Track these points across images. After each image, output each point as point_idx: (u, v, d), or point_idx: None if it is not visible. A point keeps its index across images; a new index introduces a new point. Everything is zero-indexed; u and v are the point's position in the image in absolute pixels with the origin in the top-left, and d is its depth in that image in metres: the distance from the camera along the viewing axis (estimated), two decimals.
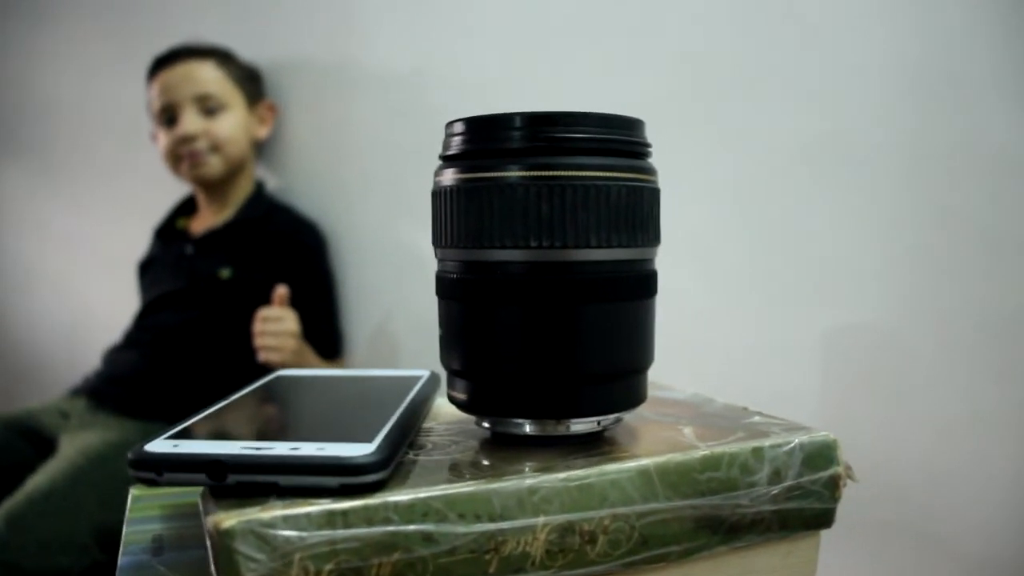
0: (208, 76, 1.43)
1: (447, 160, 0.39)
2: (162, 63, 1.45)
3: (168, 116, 1.44)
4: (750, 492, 0.39)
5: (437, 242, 0.40)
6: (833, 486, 0.41)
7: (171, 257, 1.48)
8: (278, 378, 0.50)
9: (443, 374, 0.44)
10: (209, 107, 1.42)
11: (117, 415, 1.31)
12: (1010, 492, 0.82)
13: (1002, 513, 0.82)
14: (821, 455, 0.41)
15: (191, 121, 1.41)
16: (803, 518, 0.40)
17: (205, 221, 1.50)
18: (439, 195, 0.39)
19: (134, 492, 0.48)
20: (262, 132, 1.52)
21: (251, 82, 1.49)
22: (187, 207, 1.57)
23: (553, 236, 0.36)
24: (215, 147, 1.42)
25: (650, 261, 0.40)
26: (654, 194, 0.39)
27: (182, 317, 1.39)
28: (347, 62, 1.42)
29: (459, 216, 0.38)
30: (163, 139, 1.45)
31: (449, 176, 0.39)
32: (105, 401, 1.34)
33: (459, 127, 0.39)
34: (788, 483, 0.40)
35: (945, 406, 0.83)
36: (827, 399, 0.90)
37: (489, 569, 0.34)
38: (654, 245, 0.40)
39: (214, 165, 1.43)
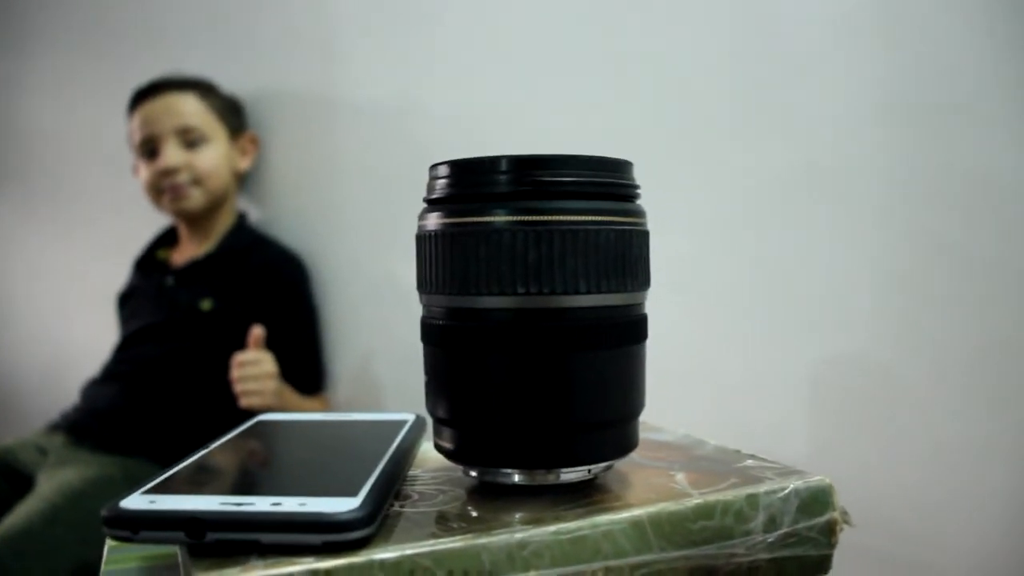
0: (189, 108, 1.42)
1: (431, 204, 0.38)
2: (143, 95, 1.44)
3: (149, 148, 1.42)
4: (745, 540, 0.38)
5: (422, 287, 0.39)
6: (830, 532, 0.40)
7: (151, 289, 1.46)
8: (259, 423, 0.49)
9: (429, 419, 0.43)
10: (191, 139, 1.41)
11: (96, 451, 1.28)
12: (1002, 522, 0.81)
13: (994, 542, 0.81)
14: (817, 500, 0.40)
15: (173, 154, 1.40)
16: (800, 565, 0.40)
17: (186, 253, 1.49)
18: (423, 240, 0.38)
19: (110, 543, 0.47)
20: (244, 164, 1.50)
21: (233, 114, 1.48)
22: (168, 238, 1.56)
23: (541, 283, 0.35)
24: (197, 180, 1.41)
25: (640, 305, 0.39)
26: (644, 237, 0.39)
27: (162, 349, 1.37)
28: (329, 93, 1.41)
29: (444, 262, 0.37)
30: (144, 172, 1.44)
31: (433, 220, 0.38)
32: (84, 436, 1.32)
33: (443, 170, 0.38)
34: (784, 530, 0.39)
35: (936, 436, 0.83)
36: (817, 431, 0.90)
37: None
38: (644, 289, 0.39)
39: (196, 198, 1.42)
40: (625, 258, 0.37)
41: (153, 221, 1.56)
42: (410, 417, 0.49)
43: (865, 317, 0.87)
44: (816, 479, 0.41)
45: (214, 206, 1.45)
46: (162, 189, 1.41)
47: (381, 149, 1.32)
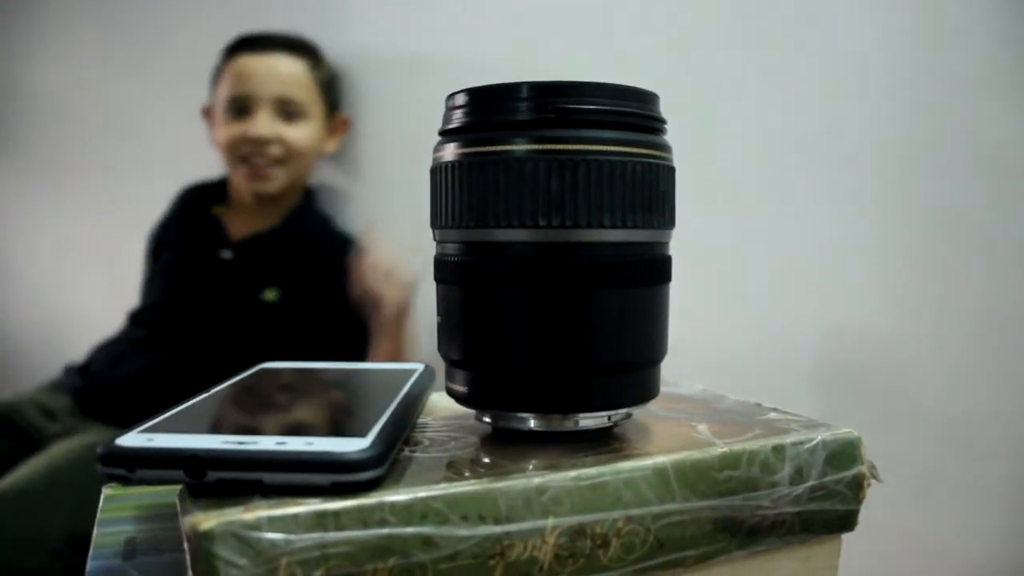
0: (296, 78, 1.29)
1: (448, 135, 0.36)
2: (250, 45, 1.31)
3: (239, 107, 1.29)
4: (771, 492, 0.36)
5: (436, 222, 0.37)
6: (857, 486, 0.39)
7: (202, 255, 1.31)
8: (262, 369, 0.47)
9: (440, 365, 0.41)
10: (288, 111, 1.28)
11: (110, 425, 1.20)
12: (1006, 494, 0.80)
13: (998, 515, 0.80)
14: (844, 453, 0.38)
15: (266, 123, 1.27)
16: (825, 520, 0.38)
17: (245, 222, 1.33)
18: (439, 171, 0.36)
19: (107, 492, 0.45)
20: (331, 147, 1.37)
21: (333, 90, 1.36)
22: (220, 192, 1.39)
23: (564, 215, 0.33)
24: (285, 157, 1.28)
25: (665, 245, 0.37)
26: (670, 173, 0.37)
27: (212, 336, 1.23)
28: (335, 49, 1.37)
29: (461, 193, 0.35)
30: (225, 130, 1.30)
31: (450, 151, 0.36)
32: (95, 412, 1.23)
33: (461, 99, 0.36)
34: (811, 483, 0.37)
35: (941, 408, 0.82)
36: (819, 402, 0.88)
37: (494, 575, 0.31)
38: (669, 228, 0.37)
39: (277, 180, 1.29)
40: (652, 193, 0.35)
41: (158, 186, 1.52)
42: (419, 366, 0.47)
43: (870, 288, 0.85)
44: (844, 431, 0.39)
45: (290, 187, 1.33)
46: (243, 156, 1.28)
47: (389, 105, 1.29)
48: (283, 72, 1.28)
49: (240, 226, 1.33)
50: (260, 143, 1.26)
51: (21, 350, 1.99)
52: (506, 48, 1.14)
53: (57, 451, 1.15)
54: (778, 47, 0.90)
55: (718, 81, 0.94)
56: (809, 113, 0.88)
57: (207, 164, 1.48)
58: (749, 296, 0.94)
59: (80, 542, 1.03)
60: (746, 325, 0.94)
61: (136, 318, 1.33)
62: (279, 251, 1.28)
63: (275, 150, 1.27)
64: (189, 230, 1.35)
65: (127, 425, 1.10)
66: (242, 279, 1.27)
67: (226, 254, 1.29)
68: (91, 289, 1.78)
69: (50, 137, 1.90)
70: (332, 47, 1.35)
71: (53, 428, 1.23)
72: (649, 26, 1.00)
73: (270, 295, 1.24)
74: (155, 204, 1.52)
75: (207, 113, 1.36)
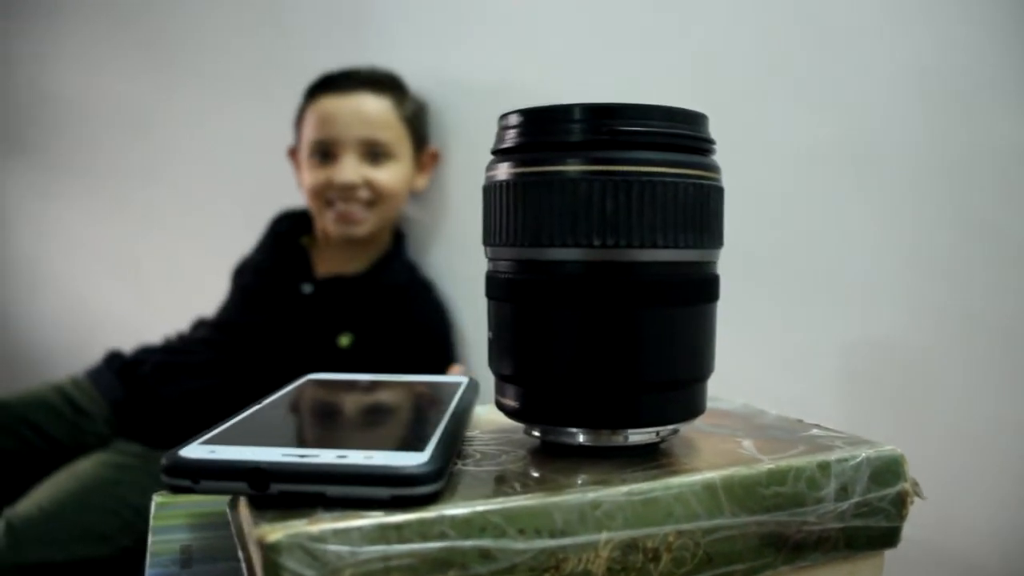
0: (382, 118, 1.24)
1: (501, 154, 0.37)
2: (331, 85, 1.27)
3: (323, 151, 1.25)
4: (817, 508, 0.37)
5: (489, 240, 0.38)
6: (900, 503, 0.39)
7: (283, 285, 1.28)
8: (310, 381, 0.48)
9: (490, 379, 0.41)
10: (375, 152, 1.24)
11: (151, 447, 1.16)
12: None
13: (1019, 528, 0.80)
14: (888, 470, 0.39)
15: (352, 169, 1.22)
16: (869, 537, 0.38)
17: (330, 259, 1.31)
18: (492, 191, 0.37)
19: (157, 499, 0.46)
20: (421, 183, 1.31)
21: (419, 123, 1.30)
22: (309, 222, 1.35)
23: (617, 235, 0.34)
24: (373, 200, 1.24)
25: (714, 264, 0.38)
26: (720, 193, 0.37)
27: (272, 368, 1.14)
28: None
29: (514, 212, 0.36)
30: (311, 175, 1.26)
31: (504, 170, 0.36)
32: (132, 429, 1.20)
33: (514, 119, 0.37)
34: (856, 499, 0.38)
35: (964, 418, 0.81)
36: (846, 412, 0.88)
37: None
38: (718, 247, 0.38)
39: (366, 225, 1.25)
40: (702, 213, 0.36)
41: (173, 188, 1.53)
42: (464, 379, 0.48)
43: (898, 297, 0.85)
44: (887, 448, 0.39)
45: (380, 230, 1.29)
46: (330, 202, 1.25)
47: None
48: (367, 113, 1.24)
49: (325, 263, 1.31)
50: (347, 189, 1.22)
51: (39, 348, 2.01)
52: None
53: (83, 470, 1.11)
54: (794, 56, 0.90)
55: (736, 91, 0.95)
56: (830, 122, 0.88)
57: (215, 166, 1.48)
58: (770, 307, 0.94)
59: (100, 567, 1.00)
60: (766, 336, 0.94)
61: (201, 333, 1.30)
62: (361, 297, 1.25)
63: (363, 194, 1.23)
64: (275, 257, 1.33)
65: (161, 445, 1.00)
66: (318, 317, 1.24)
67: (307, 288, 1.26)
68: (109, 293, 1.79)
69: (74, 140, 1.92)
70: (413, 75, 1.31)
71: (87, 429, 1.19)
72: (663, 34, 1.01)
73: (344, 340, 1.21)
74: (168, 207, 1.53)
75: (292, 154, 1.33)
